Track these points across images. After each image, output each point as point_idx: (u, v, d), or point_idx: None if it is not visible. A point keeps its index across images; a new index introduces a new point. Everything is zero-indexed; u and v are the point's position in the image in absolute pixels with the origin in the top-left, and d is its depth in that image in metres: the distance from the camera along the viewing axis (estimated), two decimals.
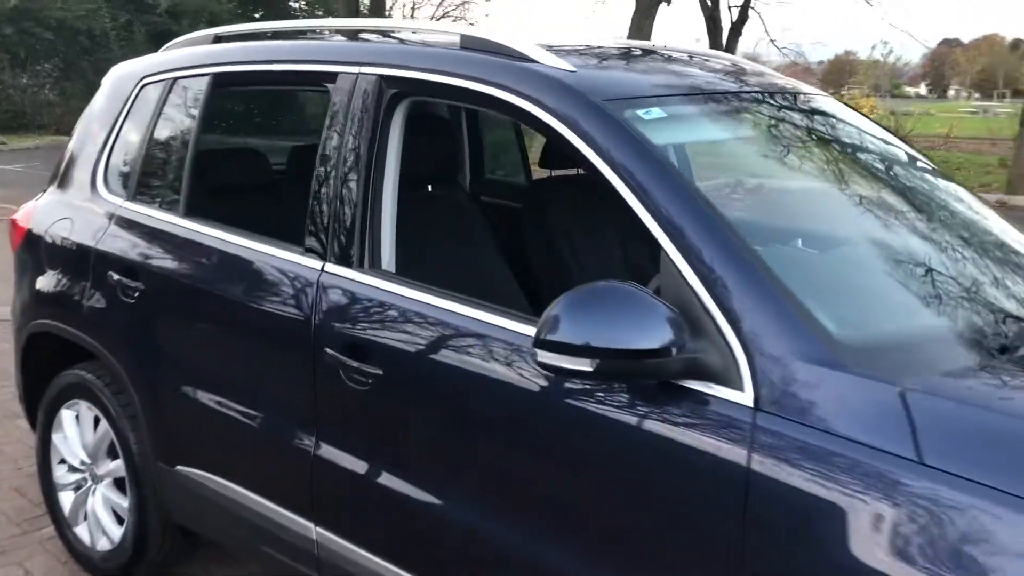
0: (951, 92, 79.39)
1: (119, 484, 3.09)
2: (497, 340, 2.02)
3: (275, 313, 2.47)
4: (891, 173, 2.43)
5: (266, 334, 2.52)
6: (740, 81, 2.51)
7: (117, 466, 3.06)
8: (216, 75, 2.88)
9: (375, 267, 2.36)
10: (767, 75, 2.70)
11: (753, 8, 19.53)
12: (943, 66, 79.26)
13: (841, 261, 2.01)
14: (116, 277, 2.92)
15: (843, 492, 1.56)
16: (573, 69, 2.19)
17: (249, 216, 2.81)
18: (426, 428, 2.19)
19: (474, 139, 4.00)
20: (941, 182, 2.51)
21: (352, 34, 2.82)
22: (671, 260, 1.82)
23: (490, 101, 2.21)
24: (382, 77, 2.40)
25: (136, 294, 2.85)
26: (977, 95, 67.48)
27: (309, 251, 2.45)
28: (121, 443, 3.01)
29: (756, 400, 1.68)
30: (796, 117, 2.45)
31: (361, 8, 18.97)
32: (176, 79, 3.02)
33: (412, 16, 21.04)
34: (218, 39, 3.06)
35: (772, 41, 19.34)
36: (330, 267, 2.39)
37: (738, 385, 1.71)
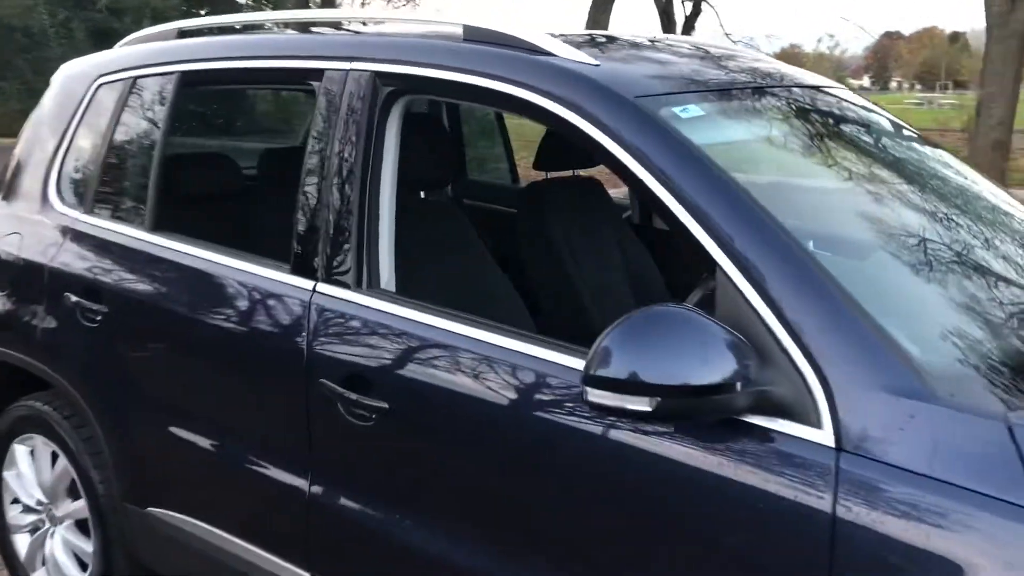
0: (893, 84, 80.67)
1: (81, 526, 2.80)
2: (527, 370, 1.78)
3: (261, 339, 2.21)
4: (942, 177, 2.24)
5: (250, 363, 2.26)
6: (763, 74, 2.31)
7: (79, 507, 2.77)
8: (184, 73, 2.59)
9: (373, 286, 2.11)
10: (780, 65, 2.50)
11: (707, 1, 19.49)
12: (886, 58, 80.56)
13: (911, 273, 1.81)
14: (74, 299, 2.62)
15: (949, 545, 1.35)
16: (596, 63, 1.97)
17: (223, 228, 2.54)
18: (442, 471, 1.95)
19: (454, 138, 3.76)
20: (990, 186, 2.33)
21: (340, 26, 2.56)
22: (729, 280, 1.60)
23: (503, 99, 1.98)
24: (376, 74, 2.15)
25: (98, 317, 2.56)
26: (919, 87, 68.65)
27: (297, 269, 2.19)
28: (83, 481, 2.72)
29: (837, 439, 1.47)
30: (833, 114, 2.25)
31: (311, 3, 18.56)
32: (137, 78, 2.73)
33: (363, 6, 20.64)
34: (182, 34, 2.78)
35: (727, 35, 19.29)
36: (322, 287, 2.14)
37: (814, 421, 1.50)
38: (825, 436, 1.48)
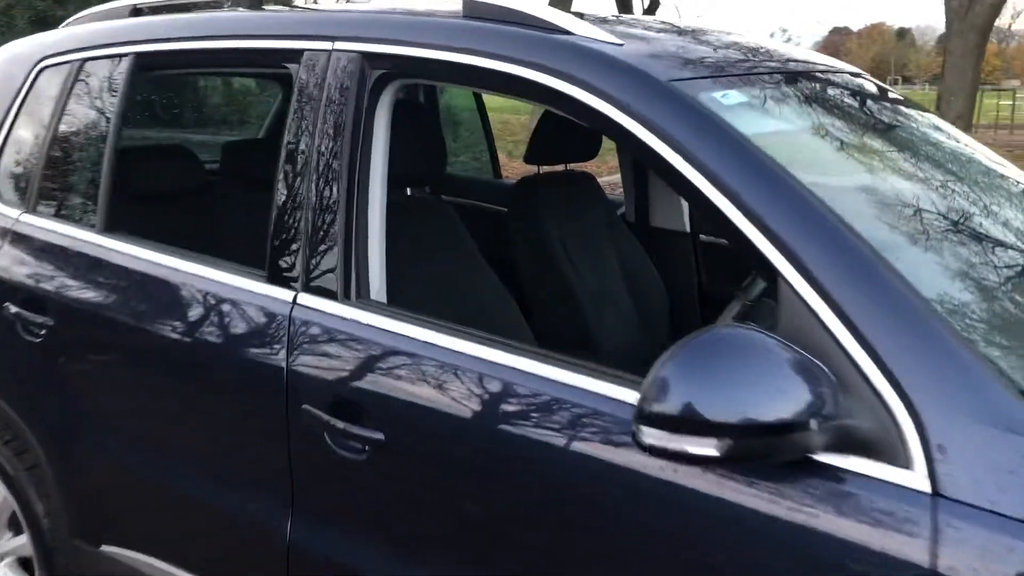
0: None
1: (25, 565, 2.49)
2: (556, 400, 1.53)
3: (231, 358, 1.93)
4: (999, 174, 2.02)
5: (220, 384, 1.98)
6: (787, 59, 2.08)
7: (21, 543, 2.46)
8: (139, 55, 2.30)
9: (362, 297, 1.85)
10: (796, 50, 2.28)
11: None
12: (836, 54, 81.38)
13: (1006, 287, 1.59)
14: (14, 310, 2.32)
15: None
16: (619, 42, 1.72)
17: (186, 230, 2.26)
18: (449, 516, 1.69)
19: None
20: None
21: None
22: (795, 293, 1.37)
23: (514, 83, 1.72)
24: (364, 55, 1.88)
25: (43, 331, 2.26)
26: None
27: (274, 277, 1.92)
28: (26, 514, 2.41)
29: (934, 483, 1.24)
30: (875, 103, 2.03)
31: None
32: (85, 61, 2.42)
33: None
34: (137, 11, 2.47)
35: None
36: (304, 299, 1.87)
37: (902, 461, 1.27)
38: (917, 479, 1.25)
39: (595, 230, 2.92)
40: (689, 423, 1.24)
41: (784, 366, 1.27)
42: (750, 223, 1.41)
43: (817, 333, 1.34)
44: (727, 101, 1.62)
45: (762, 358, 1.27)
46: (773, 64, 1.98)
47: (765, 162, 1.47)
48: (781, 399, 1.25)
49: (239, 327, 1.93)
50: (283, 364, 1.83)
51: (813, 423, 1.26)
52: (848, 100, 1.97)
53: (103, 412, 2.23)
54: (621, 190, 3.26)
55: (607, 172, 9.45)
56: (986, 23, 13.43)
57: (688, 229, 3.13)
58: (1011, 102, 24.79)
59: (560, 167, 2.92)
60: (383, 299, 1.88)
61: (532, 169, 2.87)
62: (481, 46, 1.76)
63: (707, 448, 1.24)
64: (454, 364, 1.66)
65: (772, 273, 1.40)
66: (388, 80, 1.89)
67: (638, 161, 3.13)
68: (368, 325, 1.78)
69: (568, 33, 1.72)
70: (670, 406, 1.25)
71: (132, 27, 2.39)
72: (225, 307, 1.97)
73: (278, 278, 1.91)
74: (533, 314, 2.64)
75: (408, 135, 2.05)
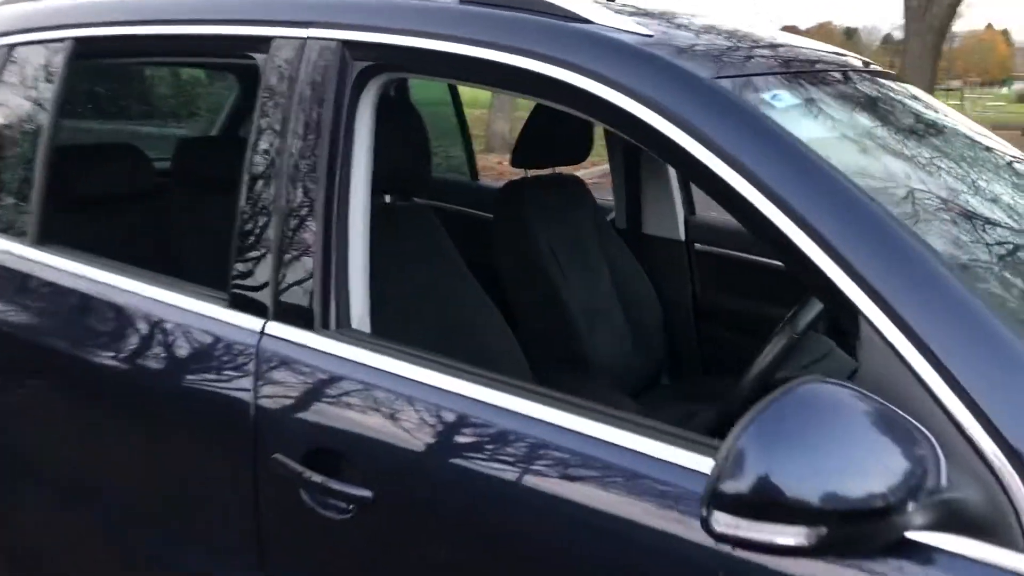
0: None
1: None
2: (587, 456, 1.28)
3: (188, 397, 1.66)
4: None
5: (175, 428, 1.70)
6: (820, 57, 1.86)
7: None
8: (78, 41, 2.00)
9: (343, 326, 1.59)
10: (823, 45, 2.06)
11: None
12: None
13: None
14: None
15: None
16: (648, 33, 1.48)
17: (133, 242, 1.98)
18: None
19: None
20: None
21: None
22: (880, 337, 1.14)
23: (524, 80, 1.47)
24: (345, 44, 1.62)
25: None
26: None
27: (239, 303, 1.65)
28: None
29: None
30: (925, 110, 1.81)
31: None
32: (14, 46, 2.12)
33: None
34: None
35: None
36: (274, 328, 1.60)
37: (1018, 542, 1.05)
38: None
39: (585, 238, 2.69)
40: (773, 508, 1.00)
41: (886, 433, 1.04)
42: (827, 255, 1.18)
43: (910, 389, 1.11)
44: (779, 103, 1.39)
45: (859, 422, 1.04)
46: (807, 61, 1.76)
47: (838, 180, 1.23)
48: (885, 474, 1.02)
49: (195, 361, 1.65)
50: (249, 406, 1.56)
51: (914, 503, 1.03)
52: (897, 105, 1.74)
53: (34, 457, 1.93)
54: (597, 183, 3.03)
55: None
56: (943, 24, 13.50)
57: (683, 237, 2.91)
58: (959, 102, 25.15)
59: (549, 170, 2.68)
60: (366, 327, 1.62)
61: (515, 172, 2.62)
62: (485, 35, 1.50)
63: (795, 538, 1.00)
64: (456, 409, 1.41)
65: (846, 309, 1.17)
66: (373, 73, 1.63)
67: (631, 164, 2.91)
68: (350, 360, 1.52)
69: (587, 22, 1.48)
70: (748, 485, 1.01)
71: (71, 8, 2.09)
72: (179, 336, 1.69)
73: (242, 303, 1.64)
74: (519, 326, 2.40)
75: (394, 136, 1.79)
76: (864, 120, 1.59)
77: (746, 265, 2.82)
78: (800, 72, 1.60)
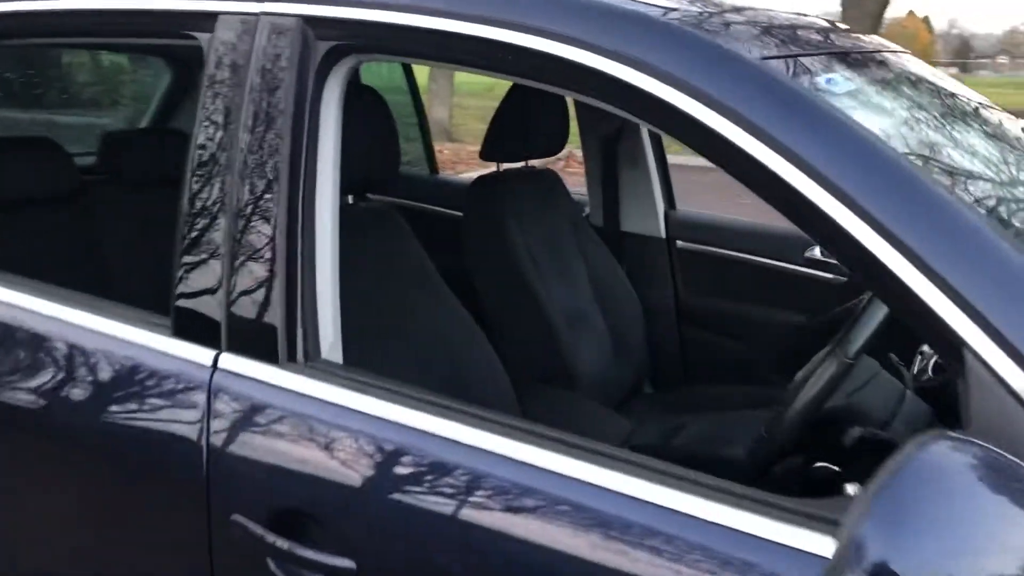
0: None
1: None
2: (603, 516, 1.05)
3: (125, 447, 1.38)
4: None
5: (109, 483, 1.43)
6: (850, 36, 1.65)
7: None
8: None
9: (311, 358, 1.33)
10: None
11: None
12: None
13: None
14: None
15: None
16: (671, 6, 1.25)
17: (52, 255, 1.68)
18: None
19: None
20: None
21: None
22: (994, 376, 0.93)
23: (533, 64, 1.22)
24: (307, 19, 1.35)
25: None
26: None
27: (185, 330, 1.38)
28: None
29: None
30: (974, 99, 1.60)
31: None
32: None
33: None
34: None
35: None
36: (229, 361, 1.33)
37: None
38: None
39: (563, 236, 2.46)
40: None
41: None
42: (930, 283, 0.96)
43: None
44: (836, 88, 1.17)
45: (996, 495, 0.83)
46: (844, 42, 1.54)
47: (922, 181, 1.02)
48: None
49: (132, 403, 1.38)
50: (200, 457, 1.30)
51: None
52: (948, 93, 1.54)
53: None
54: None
55: None
56: (880, 9, 13.57)
57: (663, 234, 2.70)
58: None
59: (520, 164, 2.44)
60: (338, 356, 1.37)
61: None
62: (476, 9, 1.25)
63: None
64: (456, 461, 1.17)
65: (948, 341, 0.96)
66: (340, 55, 1.37)
67: (608, 155, 2.68)
68: (323, 400, 1.27)
69: None
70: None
71: None
72: (110, 373, 1.41)
73: (189, 330, 1.37)
74: (497, 336, 2.17)
75: (364, 128, 1.54)
76: (926, 113, 1.38)
77: (731, 263, 2.63)
78: (841, 52, 1.38)
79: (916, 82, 1.47)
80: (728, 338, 2.62)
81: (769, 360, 2.58)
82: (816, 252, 2.54)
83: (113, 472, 1.41)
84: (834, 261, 2.52)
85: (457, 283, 1.99)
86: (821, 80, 1.17)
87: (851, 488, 1.08)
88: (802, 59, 1.21)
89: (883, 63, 1.48)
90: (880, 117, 1.21)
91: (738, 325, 2.58)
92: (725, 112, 1.06)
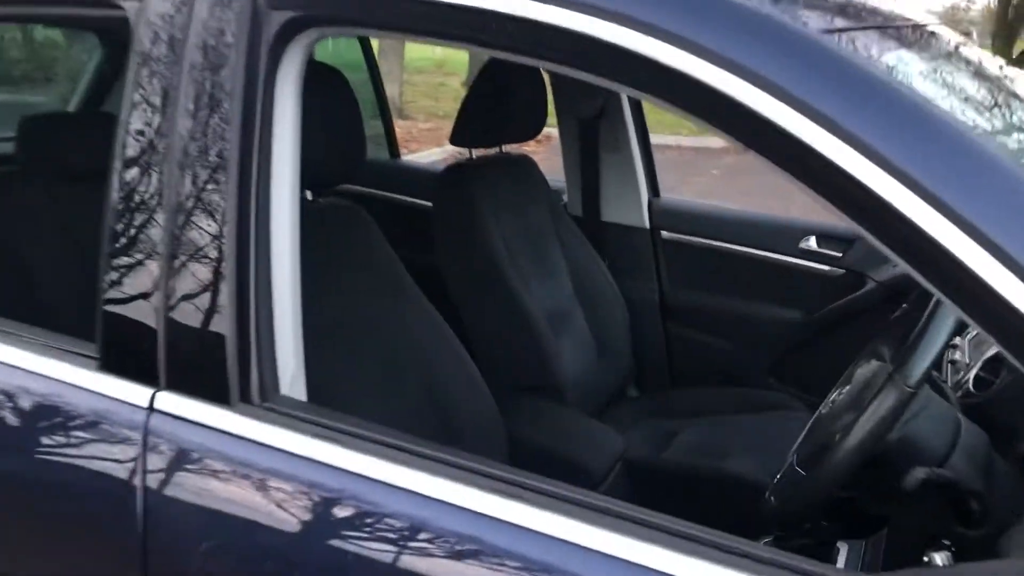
0: None
1: None
2: None
3: (43, 508, 1.15)
4: None
5: (24, 548, 1.19)
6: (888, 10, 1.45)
7: None
8: None
9: (268, 396, 1.10)
10: None
11: None
12: None
13: None
14: None
15: None
16: None
17: None
18: None
19: None
20: None
21: None
22: None
23: (531, 35, 1.00)
24: None
25: None
26: None
27: (114, 364, 1.14)
28: None
29: None
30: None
31: None
32: None
33: None
34: None
35: None
36: (167, 400, 1.10)
37: None
38: None
39: (541, 228, 2.25)
40: None
41: None
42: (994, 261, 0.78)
43: None
44: (905, 68, 0.97)
45: None
46: (895, 16, 1.34)
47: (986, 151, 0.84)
48: None
49: (51, 454, 1.14)
50: (136, 518, 1.07)
51: None
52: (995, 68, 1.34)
53: None
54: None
55: None
56: None
57: (647, 224, 2.50)
58: None
59: (494, 150, 2.22)
60: (301, 392, 1.14)
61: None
62: None
63: None
64: (450, 527, 0.96)
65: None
66: (298, 28, 1.13)
67: (587, 139, 2.47)
68: (284, 451, 1.04)
69: None
70: None
71: None
72: (24, 413, 1.17)
73: (120, 364, 1.13)
74: (474, 341, 1.96)
75: (325, 114, 1.31)
76: (973, 88, 1.18)
77: (720, 255, 2.45)
78: (900, 27, 1.18)
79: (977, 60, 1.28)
80: (717, 336, 2.45)
81: (761, 360, 2.42)
82: (812, 243, 2.37)
83: (30, 541, 1.17)
84: (831, 252, 2.36)
85: (427, 281, 1.77)
86: (890, 59, 0.97)
87: (939, 557, 0.89)
88: (864, 32, 1.01)
89: (941, 37, 1.28)
90: (952, 99, 1.01)
91: (728, 322, 2.41)
92: (769, 89, 0.85)
